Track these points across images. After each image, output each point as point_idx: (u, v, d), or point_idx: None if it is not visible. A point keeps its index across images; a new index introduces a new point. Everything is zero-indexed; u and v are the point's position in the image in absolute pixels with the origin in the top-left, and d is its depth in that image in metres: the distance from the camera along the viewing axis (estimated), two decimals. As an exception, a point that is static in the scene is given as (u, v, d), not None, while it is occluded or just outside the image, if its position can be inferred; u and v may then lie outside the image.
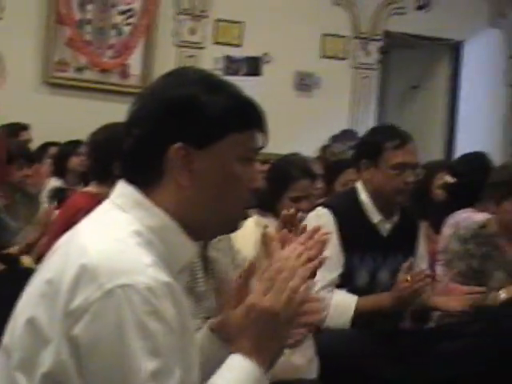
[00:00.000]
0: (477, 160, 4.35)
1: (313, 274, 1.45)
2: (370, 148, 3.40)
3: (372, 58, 9.01)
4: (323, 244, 1.51)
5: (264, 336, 1.41)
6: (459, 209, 4.21)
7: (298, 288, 1.41)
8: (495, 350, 3.31)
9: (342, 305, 3.17)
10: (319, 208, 3.43)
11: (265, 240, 1.56)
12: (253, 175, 1.51)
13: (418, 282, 3.15)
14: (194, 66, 2.17)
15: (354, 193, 3.48)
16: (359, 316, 3.21)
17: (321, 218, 3.31)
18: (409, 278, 3.17)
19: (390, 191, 3.36)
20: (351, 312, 3.21)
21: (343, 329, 3.14)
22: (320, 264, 1.51)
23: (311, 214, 3.41)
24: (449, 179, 4.52)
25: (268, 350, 1.42)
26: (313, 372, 2.75)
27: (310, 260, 1.45)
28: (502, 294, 3.54)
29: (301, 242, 1.48)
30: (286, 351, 2.61)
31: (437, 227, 4.39)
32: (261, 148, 1.53)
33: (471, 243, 3.62)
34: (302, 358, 2.70)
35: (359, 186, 3.47)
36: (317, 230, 1.55)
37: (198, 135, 1.44)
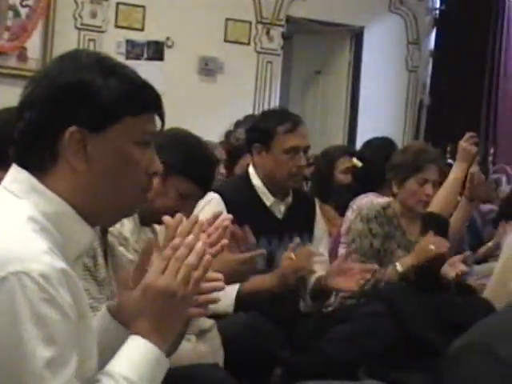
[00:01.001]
0: (383, 145, 4.43)
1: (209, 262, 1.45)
2: (261, 133, 3.40)
3: (275, 44, 9.05)
4: (224, 229, 1.51)
5: (162, 316, 1.40)
6: (364, 192, 4.28)
7: (195, 265, 1.40)
8: (391, 329, 3.39)
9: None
10: (210, 193, 3.41)
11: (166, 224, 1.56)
12: (150, 159, 1.49)
13: (301, 260, 3.17)
14: (87, 49, 2.13)
15: (246, 177, 3.49)
16: (244, 299, 3.15)
17: (210, 203, 3.28)
18: (293, 257, 3.18)
19: (283, 175, 3.37)
20: (233, 294, 3.16)
21: (242, 316, 3.11)
22: (221, 249, 1.51)
23: (202, 200, 3.40)
24: (356, 163, 4.58)
25: (167, 329, 1.41)
26: (219, 361, 2.75)
27: (211, 245, 1.44)
28: (398, 267, 3.63)
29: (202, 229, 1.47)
30: (192, 340, 2.61)
31: (341, 210, 4.46)
32: (158, 131, 1.51)
33: (374, 223, 3.70)
34: (208, 348, 2.70)
35: (251, 170, 3.48)
36: (217, 215, 1.54)
37: (93, 119, 1.41)
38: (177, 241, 1.42)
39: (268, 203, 3.43)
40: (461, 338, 1.16)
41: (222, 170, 4.54)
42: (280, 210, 3.46)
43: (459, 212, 4.06)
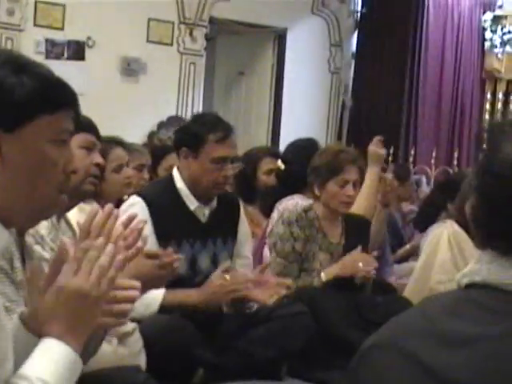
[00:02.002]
0: (306, 146, 4.44)
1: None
2: (191, 138, 3.34)
3: (198, 44, 9.03)
4: (139, 232, 1.49)
5: (75, 317, 1.37)
6: (289, 194, 4.29)
7: (107, 266, 1.39)
8: (313, 329, 3.42)
9: (148, 297, 3.04)
10: (133, 196, 3.37)
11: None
12: (67, 158, 1.46)
13: (235, 283, 3.18)
14: (-1, 48, 2.07)
15: (170, 180, 3.44)
16: (166, 310, 3.14)
17: (133, 207, 3.23)
18: (227, 277, 3.18)
19: (208, 183, 3.34)
20: (156, 306, 3.13)
21: (165, 317, 3.09)
22: (137, 253, 1.49)
23: (125, 203, 3.36)
24: (280, 165, 4.59)
25: (80, 331, 1.39)
26: (140, 364, 2.72)
27: (127, 248, 1.42)
28: (323, 276, 3.66)
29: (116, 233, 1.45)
30: (113, 343, 2.57)
31: (266, 212, 4.46)
32: (74, 130, 1.48)
33: (295, 226, 3.70)
34: (129, 351, 2.67)
35: (175, 173, 3.44)
36: (132, 218, 1.52)
37: (6, 118, 1.37)
38: (87, 243, 1.40)
39: (192, 207, 3.39)
40: (372, 336, 1.17)
41: (145, 174, 4.50)
42: (204, 213, 3.43)
43: (375, 217, 4.16)
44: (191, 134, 3.36)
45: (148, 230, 3.20)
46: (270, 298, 3.26)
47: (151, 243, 3.19)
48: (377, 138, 4.22)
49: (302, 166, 3.92)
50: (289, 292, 3.40)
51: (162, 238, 3.24)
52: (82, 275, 1.38)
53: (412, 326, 1.10)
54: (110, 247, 1.39)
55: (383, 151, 4.24)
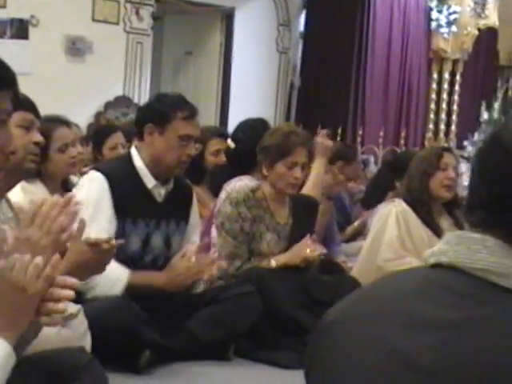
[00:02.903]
0: (257, 126, 4.42)
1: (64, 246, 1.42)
2: (158, 114, 3.33)
3: (145, 23, 8.93)
4: (75, 214, 1.48)
5: (11, 311, 1.37)
6: (239, 174, 4.28)
7: (42, 264, 1.38)
8: (261, 309, 3.43)
9: (112, 276, 3.08)
10: (92, 171, 3.35)
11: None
12: (5, 138, 1.42)
13: (201, 265, 3.20)
14: None
15: (128, 158, 3.42)
16: (130, 290, 3.16)
17: (93, 182, 3.25)
18: (192, 260, 3.21)
19: (172, 160, 3.33)
20: (121, 286, 3.15)
21: (110, 297, 3.08)
22: (71, 236, 1.49)
23: (84, 178, 3.33)
24: (230, 144, 4.58)
25: (16, 325, 1.38)
26: (85, 346, 2.69)
27: (63, 229, 1.41)
28: (273, 263, 3.67)
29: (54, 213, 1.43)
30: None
31: (215, 192, 4.44)
32: (14, 109, 1.45)
33: (242, 206, 3.69)
34: (74, 333, 2.63)
35: (134, 151, 3.42)
36: (69, 200, 1.51)
37: None
38: (27, 233, 1.39)
39: (149, 186, 3.38)
40: (332, 311, 1.15)
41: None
42: (160, 193, 3.42)
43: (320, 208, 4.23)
44: (158, 111, 3.35)
45: (107, 205, 3.23)
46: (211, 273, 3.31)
47: (109, 218, 3.22)
48: (324, 131, 4.31)
49: (253, 146, 3.91)
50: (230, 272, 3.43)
51: (119, 214, 3.26)
52: (19, 270, 1.37)
53: (376, 304, 1.09)
54: (46, 241, 1.38)
55: (330, 143, 4.32)
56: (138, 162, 3.39)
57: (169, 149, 3.32)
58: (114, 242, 2.32)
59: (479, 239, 1.04)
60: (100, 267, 2.26)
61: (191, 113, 3.35)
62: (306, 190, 4.10)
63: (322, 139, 4.27)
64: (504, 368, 0.94)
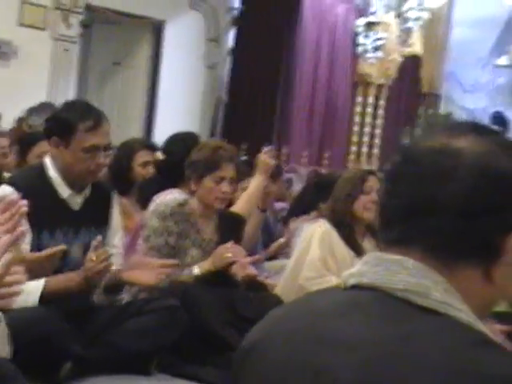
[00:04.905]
0: (187, 140, 4.42)
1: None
2: (62, 126, 3.26)
3: (73, 31, 8.82)
4: (20, 217, 1.46)
5: None
6: (168, 187, 4.26)
7: None
8: (186, 324, 3.42)
9: (29, 284, 3.01)
10: (3, 187, 3.26)
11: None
12: None
13: (101, 262, 3.13)
14: None
15: (41, 168, 3.35)
16: (48, 296, 3.08)
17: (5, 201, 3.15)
18: (94, 258, 3.13)
19: (81, 172, 3.28)
20: (39, 292, 3.08)
21: (32, 308, 3.02)
22: (17, 238, 1.46)
23: None
24: (158, 156, 4.56)
25: None
26: (6, 355, 2.63)
27: (7, 233, 1.39)
28: (196, 270, 3.66)
29: None
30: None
31: (144, 204, 4.41)
32: None
33: (170, 220, 3.68)
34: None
35: (47, 160, 3.35)
36: (14, 202, 1.48)
37: None
38: None
39: (64, 195, 3.32)
40: (251, 334, 1.16)
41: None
42: (77, 202, 3.36)
43: (252, 221, 4.23)
44: (61, 123, 3.28)
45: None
46: (156, 280, 3.23)
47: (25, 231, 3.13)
48: (268, 148, 4.31)
49: (183, 159, 3.91)
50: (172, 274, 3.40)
51: (35, 227, 3.17)
52: None
53: (296, 325, 1.10)
54: None
55: (273, 162, 4.32)
56: (52, 171, 3.32)
57: (75, 161, 3.26)
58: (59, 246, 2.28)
59: (398, 260, 1.05)
60: (45, 271, 2.23)
61: (95, 122, 3.27)
62: (239, 205, 4.10)
63: (265, 156, 4.26)
64: None
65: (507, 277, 1.07)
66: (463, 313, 1.04)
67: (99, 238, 3.19)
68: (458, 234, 1.04)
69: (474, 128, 1.10)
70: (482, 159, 1.05)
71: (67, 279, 3.15)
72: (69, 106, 3.45)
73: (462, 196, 1.03)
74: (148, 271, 3.25)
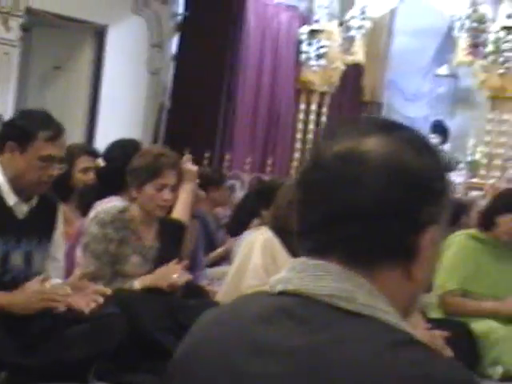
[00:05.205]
0: (129, 146, 4.39)
1: None
2: (20, 133, 3.24)
3: (13, 34, 8.67)
4: None
5: None
6: (109, 193, 4.22)
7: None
8: (125, 331, 3.38)
9: None
10: None
11: None
12: None
13: (53, 294, 3.13)
14: None
15: None
16: None
17: None
18: (47, 285, 3.13)
19: (32, 180, 3.25)
20: None
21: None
22: None
23: None
24: (99, 162, 4.53)
25: None
26: None
27: None
28: (136, 284, 3.63)
29: None
30: None
31: (85, 211, 4.36)
32: None
33: (110, 227, 3.65)
34: None
35: None
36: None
37: None
38: None
39: (10, 203, 3.28)
40: (183, 345, 1.15)
41: None
42: (22, 210, 3.32)
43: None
44: (21, 129, 3.26)
45: None
46: (87, 306, 3.19)
47: None
48: (187, 156, 4.32)
49: (123, 166, 3.88)
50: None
51: None
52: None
53: (223, 333, 1.09)
54: None
55: (195, 168, 4.32)
56: (0, 178, 3.28)
57: (29, 169, 3.23)
58: None
59: (322, 265, 1.05)
60: None
61: (55, 133, 3.27)
62: (176, 214, 4.10)
63: (187, 165, 4.27)
64: None
65: (425, 272, 1.09)
66: (389, 314, 1.05)
67: (47, 274, 3.19)
68: (373, 237, 1.05)
69: (380, 126, 1.09)
70: (389, 160, 1.05)
71: (10, 298, 3.12)
72: (27, 113, 3.46)
73: (372, 200, 1.04)
74: (82, 296, 3.22)
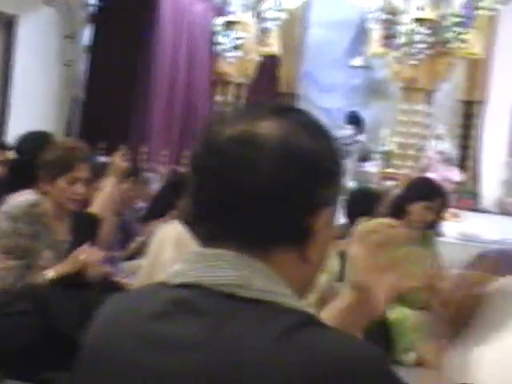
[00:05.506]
0: (39, 139, 4.31)
1: None
2: None
3: None
4: None
5: None
6: (21, 187, 4.13)
7: None
8: (40, 328, 3.33)
9: None
10: None
11: None
12: None
13: None
14: None
15: None
16: None
17: None
18: None
19: None
20: None
21: None
22: None
23: None
24: (8, 155, 4.44)
25: None
26: None
27: None
28: (51, 273, 3.57)
29: None
30: None
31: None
32: None
33: (21, 222, 3.57)
34: None
35: None
36: None
37: None
38: None
39: None
40: (86, 337, 1.13)
41: None
42: None
43: (108, 221, 4.19)
44: None
45: None
46: None
47: None
48: (122, 151, 4.27)
49: (34, 159, 3.81)
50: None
51: None
52: None
53: (121, 329, 1.08)
54: None
55: (126, 164, 4.28)
56: None
57: None
58: None
59: (218, 254, 1.05)
60: None
61: None
62: (96, 205, 4.04)
63: (119, 159, 4.22)
64: (253, 379, 0.96)
65: (320, 253, 1.10)
66: (288, 297, 1.05)
67: None
68: (268, 221, 1.04)
69: (274, 110, 1.08)
70: (283, 143, 1.04)
71: None
72: None
73: (266, 184, 1.03)
74: None
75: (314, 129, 1.09)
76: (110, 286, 3.86)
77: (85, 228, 3.84)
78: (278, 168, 1.03)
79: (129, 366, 1.04)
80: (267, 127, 1.05)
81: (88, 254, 3.62)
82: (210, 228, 1.07)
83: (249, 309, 1.01)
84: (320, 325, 1.01)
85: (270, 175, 1.03)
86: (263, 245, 1.05)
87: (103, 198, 4.13)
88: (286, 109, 1.10)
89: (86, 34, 9.89)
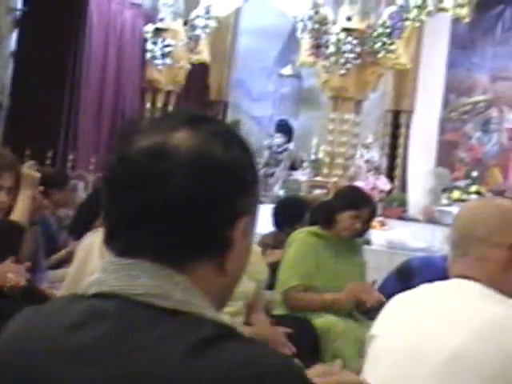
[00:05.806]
0: None
1: None
2: None
3: None
4: None
5: None
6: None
7: None
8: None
9: None
10: None
11: None
12: None
13: None
14: None
15: None
16: None
17: None
18: None
19: None
20: None
21: None
22: None
23: None
24: None
25: None
26: None
27: None
28: None
29: None
30: None
31: None
32: None
33: None
34: None
35: None
36: None
37: None
38: None
39: None
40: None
41: None
42: None
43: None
44: None
45: None
46: None
47: None
48: (30, 163, 4.19)
49: None
50: None
51: None
52: None
53: (35, 340, 1.04)
54: None
55: (37, 175, 4.19)
56: None
57: None
58: None
59: (136, 264, 1.03)
60: None
61: None
62: (17, 214, 3.95)
63: (28, 170, 4.13)
64: None
65: (239, 263, 1.09)
66: (206, 309, 1.03)
67: None
68: (182, 235, 1.03)
69: (187, 120, 1.07)
70: (194, 154, 1.02)
71: None
72: None
73: (179, 198, 1.01)
74: None
75: (227, 138, 1.07)
76: (33, 295, 3.77)
77: (8, 236, 3.76)
78: (189, 180, 1.01)
79: (39, 380, 1.01)
80: (180, 138, 1.03)
81: (13, 272, 3.54)
82: (124, 243, 1.04)
83: (164, 320, 0.99)
84: (237, 338, 0.99)
85: (182, 187, 1.01)
86: (179, 258, 1.03)
87: (19, 211, 4.03)
88: (199, 118, 1.08)
89: (13, 39, 9.71)
